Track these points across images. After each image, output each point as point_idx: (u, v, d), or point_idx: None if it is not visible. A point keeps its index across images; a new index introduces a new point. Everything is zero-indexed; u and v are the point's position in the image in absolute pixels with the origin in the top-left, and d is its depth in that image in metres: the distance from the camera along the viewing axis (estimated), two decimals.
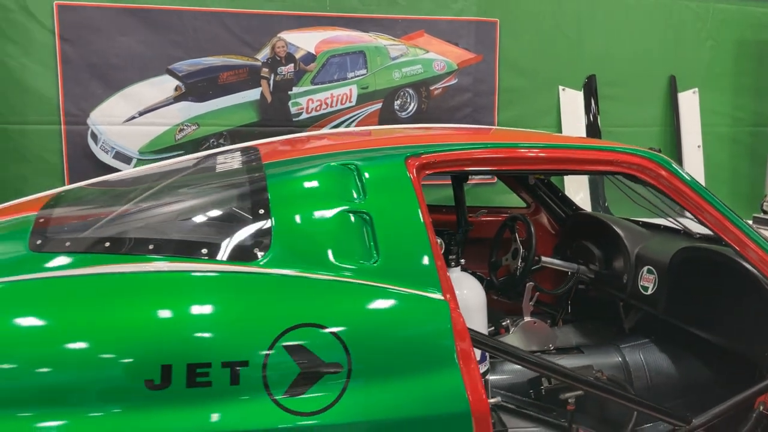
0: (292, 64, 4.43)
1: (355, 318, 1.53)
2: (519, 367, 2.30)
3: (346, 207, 1.68)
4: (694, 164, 5.22)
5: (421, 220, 1.69)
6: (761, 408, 2.00)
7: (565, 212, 3.33)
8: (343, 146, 2.25)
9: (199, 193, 1.96)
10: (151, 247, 1.60)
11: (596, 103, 5.03)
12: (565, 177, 4.78)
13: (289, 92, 4.45)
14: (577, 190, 4.95)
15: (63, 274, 1.55)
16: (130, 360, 1.40)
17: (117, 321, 1.44)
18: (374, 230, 1.65)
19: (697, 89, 5.31)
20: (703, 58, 5.34)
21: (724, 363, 2.38)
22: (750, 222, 2.54)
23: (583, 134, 5.02)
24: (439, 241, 1.84)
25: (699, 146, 5.30)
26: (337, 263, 1.60)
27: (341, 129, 4.53)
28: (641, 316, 2.75)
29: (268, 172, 1.86)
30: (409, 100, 4.69)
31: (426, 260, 1.64)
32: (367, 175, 1.76)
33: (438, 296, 1.60)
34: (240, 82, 4.37)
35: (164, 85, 4.25)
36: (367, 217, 1.67)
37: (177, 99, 4.27)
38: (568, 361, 2.42)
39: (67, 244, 1.65)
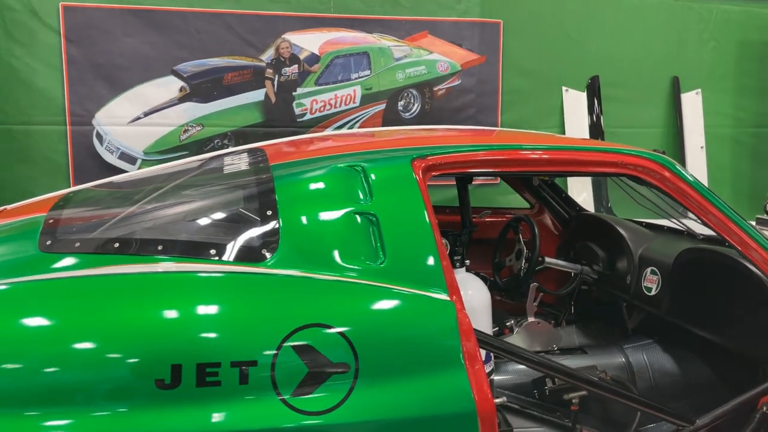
0: (297, 65, 4.45)
1: (363, 318, 1.55)
2: (523, 367, 2.31)
3: (353, 208, 1.70)
4: (697, 165, 5.22)
5: (428, 221, 1.70)
6: (764, 408, 2.01)
7: (569, 213, 3.34)
8: (349, 148, 2.27)
9: (207, 194, 1.97)
10: (160, 247, 1.62)
11: (599, 104, 5.03)
12: (568, 178, 4.79)
13: (294, 93, 4.47)
14: (580, 190, 4.96)
15: (73, 275, 1.57)
16: (141, 360, 1.41)
17: (127, 321, 1.46)
18: (381, 231, 1.67)
19: (700, 90, 5.32)
20: (706, 59, 5.34)
21: (727, 364, 2.38)
22: (753, 223, 2.55)
23: (587, 135, 5.03)
24: (444, 242, 1.86)
25: (702, 147, 5.31)
26: (344, 264, 1.62)
27: (346, 130, 4.55)
28: (644, 316, 2.76)
29: (276, 173, 1.88)
30: (412, 101, 4.71)
31: (432, 261, 1.66)
32: (373, 176, 1.78)
33: (444, 297, 1.61)
34: (244, 83, 4.38)
35: (169, 86, 4.27)
36: (374, 219, 1.69)
37: (182, 100, 4.29)
38: (571, 362, 2.43)
39: (77, 244, 1.67)
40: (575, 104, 5.05)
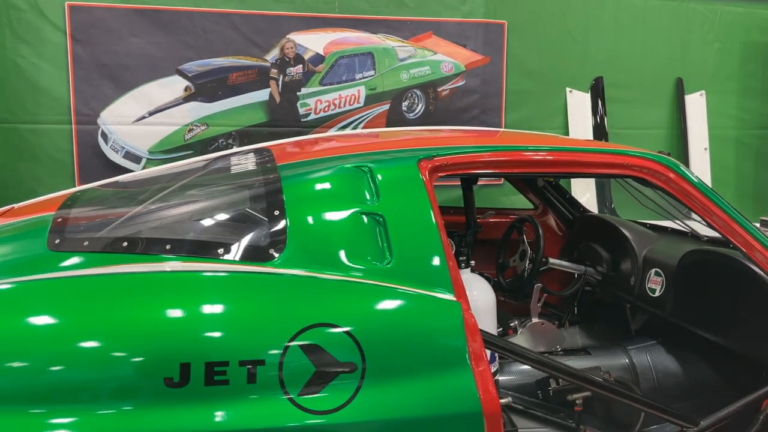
0: (301, 65, 4.46)
1: (369, 318, 1.56)
2: (527, 367, 2.32)
3: (360, 208, 1.71)
4: (700, 166, 5.22)
5: (434, 221, 1.71)
6: None
7: (573, 214, 3.34)
8: (356, 148, 2.28)
9: (214, 194, 1.98)
10: (168, 247, 1.63)
11: (603, 105, 5.04)
12: (572, 179, 4.79)
13: (298, 93, 4.48)
14: (584, 191, 4.96)
15: (82, 274, 1.58)
16: (150, 358, 1.42)
17: (136, 320, 1.47)
18: (387, 232, 1.68)
19: (704, 92, 5.32)
20: (710, 61, 5.34)
21: (731, 365, 2.39)
22: (757, 225, 2.55)
23: (590, 136, 5.03)
24: (449, 242, 1.86)
25: (706, 148, 5.31)
26: (350, 264, 1.63)
27: (351, 131, 4.56)
28: (648, 318, 2.76)
29: (283, 173, 1.89)
30: (416, 102, 4.71)
31: (438, 262, 1.67)
32: (380, 177, 1.79)
33: (450, 297, 1.62)
34: (249, 83, 4.40)
35: (174, 86, 4.28)
36: (381, 219, 1.70)
37: (186, 99, 4.31)
38: (575, 363, 2.44)
39: (85, 243, 1.68)
40: (579, 105, 5.06)
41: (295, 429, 1.45)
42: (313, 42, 4.48)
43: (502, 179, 4.42)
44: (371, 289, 1.59)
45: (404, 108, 4.70)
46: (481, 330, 1.62)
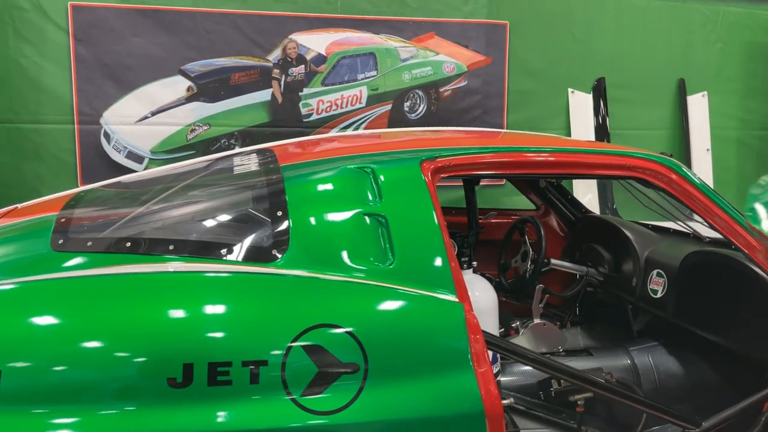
0: (303, 66, 4.46)
1: (372, 319, 1.56)
2: (529, 368, 2.33)
3: (363, 209, 1.71)
4: (702, 167, 5.22)
5: (436, 222, 1.72)
6: None
7: (575, 215, 3.34)
8: (358, 149, 2.28)
9: (217, 194, 1.99)
10: (171, 247, 1.63)
11: (605, 106, 5.04)
12: (574, 179, 4.79)
13: (300, 93, 4.48)
14: (585, 192, 4.96)
15: (85, 274, 1.59)
16: (153, 358, 1.43)
17: (140, 320, 1.48)
18: (390, 233, 1.68)
19: (706, 92, 5.31)
20: (712, 61, 5.34)
21: (733, 366, 2.39)
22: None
23: (592, 137, 5.03)
24: (451, 243, 1.87)
25: (707, 149, 5.30)
26: (353, 265, 1.63)
27: (354, 131, 4.56)
28: (650, 319, 2.76)
29: (286, 174, 1.89)
30: (418, 102, 4.72)
31: (440, 262, 1.67)
32: (382, 178, 1.79)
33: (452, 298, 1.63)
34: (251, 83, 4.40)
35: (176, 86, 4.28)
36: (383, 220, 1.70)
37: (189, 99, 4.31)
38: (577, 364, 2.44)
39: (89, 243, 1.69)
40: (581, 106, 5.06)
41: (297, 429, 1.46)
42: (315, 42, 4.48)
43: (504, 180, 4.42)
44: (374, 289, 1.59)
45: (406, 108, 4.70)
46: (483, 331, 1.63)
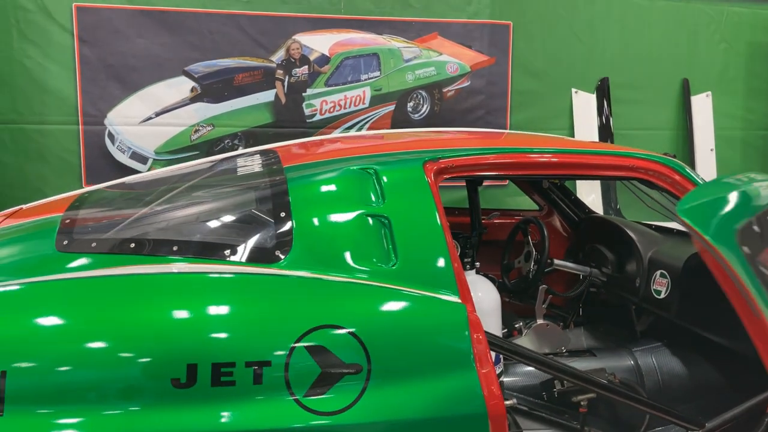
0: (307, 66, 4.47)
1: (375, 320, 1.57)
2: (531, 369, 2.32)
3: (366, 210, 1.72)
4: (707, 168, 5.21)
5: (439, 223, 1.72)
6: None
7: (578, 215, 3.34)
8: (361, 150, 2.29)
9: (220, 195, 2.00)
10: (175, 248, 1.64)
11: (609, 106, 5.03)
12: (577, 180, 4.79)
13: (303, 94, 4.49)
14: (589, 192, 4.95)
15: (90, 275, 1.59)
16: (157, 359, 1.44)
17: (144, 321, 1.48)
18: (393, 234, 1.69)
19: (710, 92, 5.30)
20: (716, 61, 5.32)
21: (737, 367, 2.38)
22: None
23: (596, 137, 5.03)
24: (454, 243, 1.87)
25: (712, 149, 5.29)
26: (356, 266, 1.63)
27: (357, 132, 4.56)
28: (653, 319, 2.76)
29: (289, 175, 1.90)
30: (422, 102, 4.72)
31: (443, 263, 1.68)
32: (385, 179, 1.79)
33: (455, 299, 1.63)
34: (255, 84, 4.41)
35: (180, 86, 4.29)
36: (386, 221, 1.71)
37: (193, 100, 4.32)
38: (580, 364, 2.44)
39: (93, 244, 1.69)
40: (584, 106, 5.05)
41: (300, 430, 1.46)
42: (319, 43, 4.49)
43: (507, 180, 4.42)
44: (376, 290, 1.59)
45: (409, 109, 4.71)
46: (486, 331, 1.63)
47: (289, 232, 1.67)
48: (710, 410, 2.03)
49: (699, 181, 2.09)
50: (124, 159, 4.29)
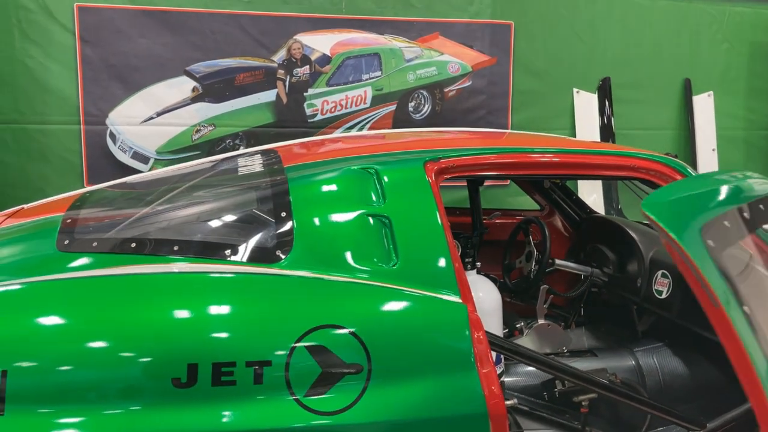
0: (308, 66, 4.47)
1: (375, 320, 1.57)
2: (532, 369, 2.32)
3: (366, 210, 1.72)
4: (709, 167, 5.20)
5: (440, 223, 1.72)
6: None
7: (579, 215, 3.34)
8: (362, 150, 2.29)
9: (221, 195, 2.00)
10: (176, 248, 1.64)
11: (610, 106, 5.03)
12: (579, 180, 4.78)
13: (305, 94, 4.49)
14: (590, 192, 4.95)
15: (91, 274, 1.60)
16: (158, 359, 1.44)
17: (144, 321, 1.48)
18: (393, 233, 1.69)
19: (712, 92, 5.30)
20: (718, 61, 5.32)
21: None
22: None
23: (597, 137, 5.02)
24: (455, 243, 1.87)
25: (713, 149, 5.29)
26: (357, 266, 1.63)
27: (358, 132, 4.57)
28: (655, 319, 2.75)
29: (290, 175, 1.90)
30: (423, 102, 4.72)
31: (444, 263, 1.67)
32: (386, 179, 1.79)
33: (456, 299, 1.63)
34: (256, 84, 4.41)
35: (182, 86, 4.30)
36: (387, 221, 1.71)
37: (194, 100, 4.32)
38: (581, 364, 2.43)
39: (94, 244, 1.70)
40: (586, 106, 5.05)
41: (301, 429, 1.46)
42: (320, 43, 4.49)
43: (509, 180, 4.41)
44: (377, 290, 1.59)
45: (411, 109, 4.71)
46: (486, 331, 1.63)
47: (290, 231, 1.67)
48: (711, 410, 2.03)
49: None
50: (125, 159, 4.29)
